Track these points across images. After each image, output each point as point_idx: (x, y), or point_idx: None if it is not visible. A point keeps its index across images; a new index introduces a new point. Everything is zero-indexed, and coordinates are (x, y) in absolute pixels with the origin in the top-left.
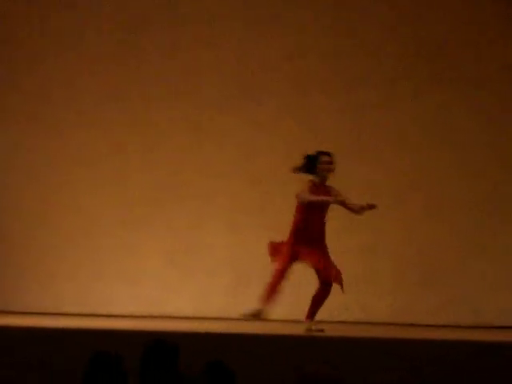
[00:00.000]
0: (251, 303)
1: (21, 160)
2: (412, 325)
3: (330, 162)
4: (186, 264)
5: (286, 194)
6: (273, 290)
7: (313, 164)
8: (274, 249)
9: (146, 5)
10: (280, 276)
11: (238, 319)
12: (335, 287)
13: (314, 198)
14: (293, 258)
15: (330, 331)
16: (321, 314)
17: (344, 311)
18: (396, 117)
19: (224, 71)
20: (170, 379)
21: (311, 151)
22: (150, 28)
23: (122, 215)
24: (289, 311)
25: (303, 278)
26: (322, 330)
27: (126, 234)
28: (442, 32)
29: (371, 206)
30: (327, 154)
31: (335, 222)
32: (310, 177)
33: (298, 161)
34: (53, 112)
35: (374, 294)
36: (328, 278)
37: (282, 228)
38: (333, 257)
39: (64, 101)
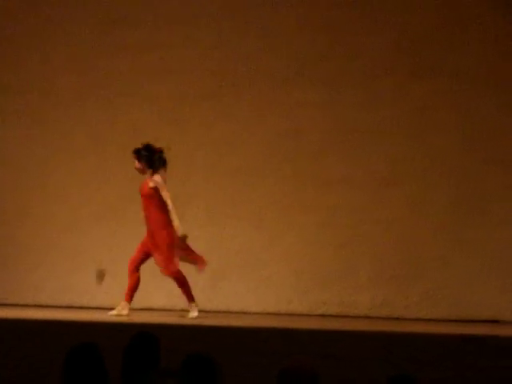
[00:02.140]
0: (229, 297)
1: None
2: (392, 318)
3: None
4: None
5: (264, 189)
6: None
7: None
8: None
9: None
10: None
11: (215, 312)
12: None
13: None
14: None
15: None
16: (300, 308)
17: (322, 305)
18: (376, 113)
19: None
20: (151, 372)
21: (290, 143)
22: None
23: (105, 207)
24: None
25: None
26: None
27: (109, 225)
28: (423, 27)
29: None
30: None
31: (314, 216)
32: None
33: (276, 156)
34: (38, 107)
35: (354, 288)
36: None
37: (258, 222)
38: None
39: (47, 96)
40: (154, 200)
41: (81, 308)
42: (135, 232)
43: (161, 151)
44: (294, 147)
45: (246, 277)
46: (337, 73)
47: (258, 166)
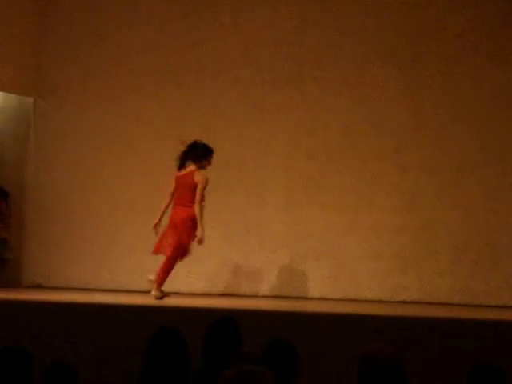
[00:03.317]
0: (308, 282)
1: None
2: (472, 305)
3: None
4: (243, 243)
5: (343, 172)
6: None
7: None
8: None
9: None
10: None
11: (294, 297)
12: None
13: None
14: None
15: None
16: (380, 294)
17: (402, 291)
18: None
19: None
20: (232, 356)
21: (369, 129)
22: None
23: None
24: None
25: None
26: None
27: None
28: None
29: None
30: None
31: (394, 201)
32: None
33: (355, 139)
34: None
35: (433, 273)
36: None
37: (338, 207)
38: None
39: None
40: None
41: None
42: (217, 216)
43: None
44: (372, 132)
45: (325, 262)
46: (416, 56)
47: (336, 150)
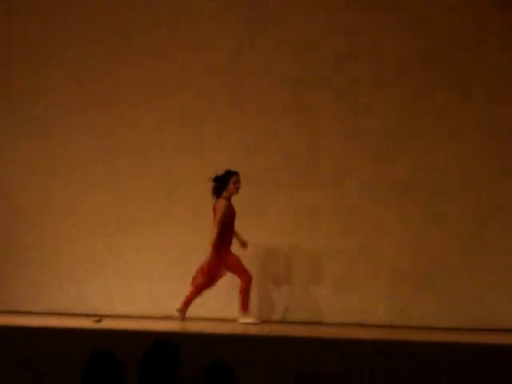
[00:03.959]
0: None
1: (18, 160)
2: (408, 327)
3: (239, 182)
4: (182, 265)
5: (283, 195)
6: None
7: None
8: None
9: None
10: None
11: (234, 320)
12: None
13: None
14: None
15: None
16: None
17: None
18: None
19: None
20: (169, 380)
21: (309, 151)
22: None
23: (117, 214)
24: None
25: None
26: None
27: (125, 234)
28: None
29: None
30: (237, 173)
31: (334, 224)
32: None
33: (295, 162)
34: (45, 115)
35: (373, 296)
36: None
37: (280, 229)
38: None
39: (57, 105)
40: None
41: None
42: (157, 238)
43: None
44: (311, 156)
45: (264, 284)
46: (353, 80)
47: (276, 174)
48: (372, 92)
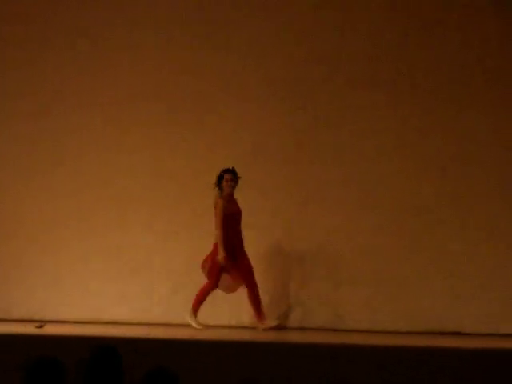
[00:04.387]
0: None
1: None
2: (352, 331)
3: (231, 180)
4: (125, 271)
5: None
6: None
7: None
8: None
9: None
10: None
11: (177, 325)
12: None
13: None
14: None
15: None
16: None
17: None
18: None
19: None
20: None
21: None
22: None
23: (64, 216)
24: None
25: None
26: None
27: (71, 238)
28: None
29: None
30: (230, 171)
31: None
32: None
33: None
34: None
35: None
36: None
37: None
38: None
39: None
40: None
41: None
42: (99, 244)
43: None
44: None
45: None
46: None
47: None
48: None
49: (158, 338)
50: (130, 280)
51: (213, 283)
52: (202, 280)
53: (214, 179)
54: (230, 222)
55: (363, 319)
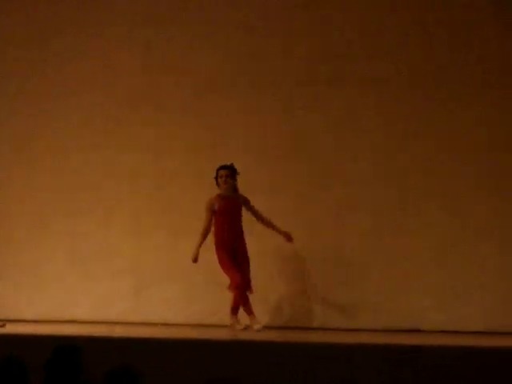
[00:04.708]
0: (153, 308)
1: None
2: (312, 328)
3: (226, 176)
4: (87, 268)
5: (188, 198)
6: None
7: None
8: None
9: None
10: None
11: (139, 323)
12: None
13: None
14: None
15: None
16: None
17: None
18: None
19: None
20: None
21: (215, 151)
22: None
23: (24, 216)
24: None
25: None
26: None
27: (26, 235)
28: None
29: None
30: (226, 167)
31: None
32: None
33: (201, 164)
34: None
35: (279, 299)
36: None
37: (183, 232)
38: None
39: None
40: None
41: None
42: (60, 241)
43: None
44: (217, 157)
45: (171, 288)
46: (259, 84)
47: (184, 176)
48: None
49: (122, 337)
50: (92, 278)
51: (232, 277)
52: (164, 277)
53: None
54: (225, 219)
55: (364, 318)
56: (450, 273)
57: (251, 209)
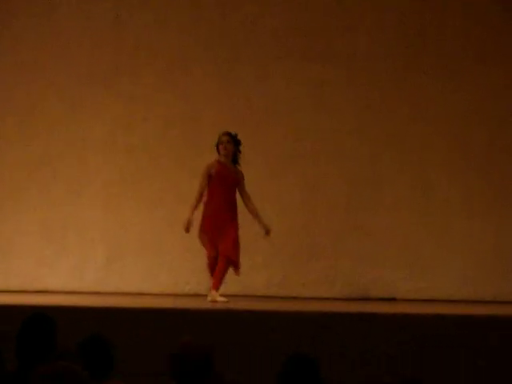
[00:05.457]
0: (125, 278)
1: None
2: (288, 298)
3: (226, 142)
4: (59, 239)
5: (161, 169)
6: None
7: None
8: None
9: None
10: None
11: (112, 293)
12: None
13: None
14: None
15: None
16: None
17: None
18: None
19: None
20: (47, 354)
21: (188, 124)
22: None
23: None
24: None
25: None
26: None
27: (3, 206)
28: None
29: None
30: (227, 133)
31: None
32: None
33: (175, 132)
34: None
35: (251, 267)
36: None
37: (156, 203)
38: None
39: None
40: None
41: None
42: (33, 211)
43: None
44: (190, 127)
45: (144, 258)
46: (235, 57)
47: (155, 146)
48: None
49: (94, 307)
50: (64, 249)
51: (208, 251)
52: (138, 248)
53: None
54: (219, 185)
55: (320, 288)
56: (421, 244)
57: (242, 188)
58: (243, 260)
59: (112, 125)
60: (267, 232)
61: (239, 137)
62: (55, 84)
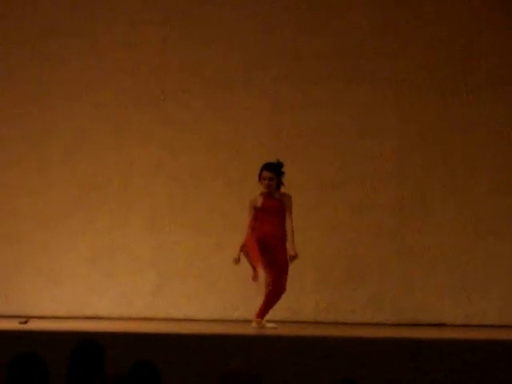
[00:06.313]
0: (174, 303)
1: None
2: (337, 323)
3: (269, 179)
4: (108, 265)
5: (209, 194)
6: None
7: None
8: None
9: None
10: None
11: (160, 319)
12: None
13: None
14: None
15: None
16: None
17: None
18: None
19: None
20: (97, 381)
21: (235, 147)
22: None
23: (43, 214)
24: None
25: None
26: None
27: (46, 233)
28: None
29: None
30: (269, 168)
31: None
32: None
33: (220, 160)
34: None
35: (299, 293)
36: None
37: (204, 228)
38: None
39: None
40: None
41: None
42: (80, 238)
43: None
44: (236, 153)
45: (191, 284)
46: (280, 78)
47: (201, 172)
48: None
49: (142, 332)
50: (113, 275)
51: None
52: (186, 274)
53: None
54: (267, 215)
55: (369, 314)
56: (470, 268)
57: (289, 210)
58: (291, 285)
59: (159, 149)
60: (291, 257)
61: (284, 158)
62: (102, 109)
